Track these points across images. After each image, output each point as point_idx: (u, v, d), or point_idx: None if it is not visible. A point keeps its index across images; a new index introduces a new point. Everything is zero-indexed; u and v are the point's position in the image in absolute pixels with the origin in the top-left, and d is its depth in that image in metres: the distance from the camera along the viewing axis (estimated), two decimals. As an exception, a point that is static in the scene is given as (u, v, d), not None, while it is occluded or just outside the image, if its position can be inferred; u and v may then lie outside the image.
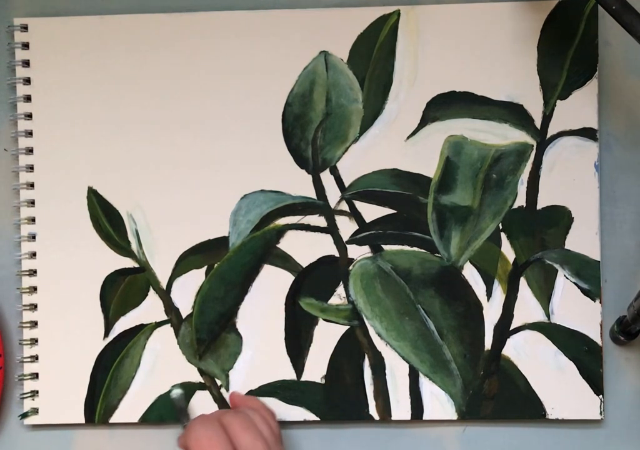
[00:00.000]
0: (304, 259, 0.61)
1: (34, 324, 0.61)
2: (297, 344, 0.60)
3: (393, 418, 0.60)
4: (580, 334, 0.60)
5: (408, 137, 0.61)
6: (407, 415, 0.60)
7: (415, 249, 0.60)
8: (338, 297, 0.61)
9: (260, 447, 0.51)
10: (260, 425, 0.54)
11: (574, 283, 0.60)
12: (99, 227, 0.61)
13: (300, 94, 0.61)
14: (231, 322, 0.61)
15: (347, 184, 0.61)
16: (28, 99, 0.62)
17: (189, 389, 0.60)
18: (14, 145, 0.62)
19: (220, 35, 0.61)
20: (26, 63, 0.62)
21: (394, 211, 0.61)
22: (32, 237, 0.61)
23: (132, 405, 0.61)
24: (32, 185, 0.62)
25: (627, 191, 0.61)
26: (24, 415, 0.61)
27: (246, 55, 0.61)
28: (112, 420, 0.61)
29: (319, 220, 0.61)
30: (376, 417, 0.60)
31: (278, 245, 0.61)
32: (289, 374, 0.60)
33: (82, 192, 0.61)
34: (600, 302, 0.60)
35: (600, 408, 0.59)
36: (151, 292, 0.61)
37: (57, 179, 0.61)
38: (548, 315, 0.60)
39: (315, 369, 0.60)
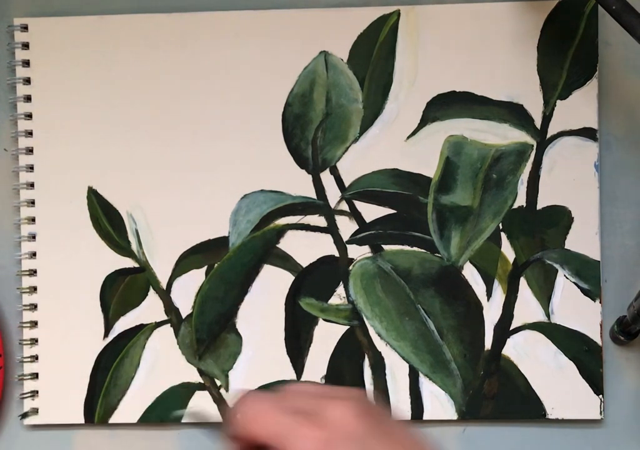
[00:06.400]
0: (304, 259, 0.61)
1: (34, 324, 0.61)
2: (297, 344, 0.60)
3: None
4: (580, 334, 0.60)
5: (408, 137, 0.61)
6: (407, 415, 0.60)
7: (415, 249, 0.60)
8: (338, 297, 0.60)
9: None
10: None
11: (574, 283, 0.60)
12: (99, 227, 0.61)
13: (300, 94, 0.61)
14: (231, 322, 0.61)
15: (347, 184, 0.61)
16: (28, 99, 0.62)
17: (189, 389, 0.60)
18: (14, 145, 0.62)
19: (220, 35, 0.61)
20: (26, 63, 0.62)
21: (394, 211, 0.61)
22: (32, 237, 0.61)
23: (131, 406, 0.60)
24: (32, 185, 0.61)
25: (627, 191, 0.61)
26: (24, 415, 0.61)
27: (246, 55, 0.61)
28: (112, 420, 0.61)
29: (319, 220, 0.61)
30: (376, 417, 0.60)
31: (278, 245, 0.61)
32: (289, 374, 0.60)
33: (82, 192, 0.61)
34: (600, 302, 0.60)
35: (600, 408, 0.59)
36: (151, 292, 0.61)
37: (57, 179, 0.61)
38: (548, 315, 0.60)
39: (315, 369, 0.60)
